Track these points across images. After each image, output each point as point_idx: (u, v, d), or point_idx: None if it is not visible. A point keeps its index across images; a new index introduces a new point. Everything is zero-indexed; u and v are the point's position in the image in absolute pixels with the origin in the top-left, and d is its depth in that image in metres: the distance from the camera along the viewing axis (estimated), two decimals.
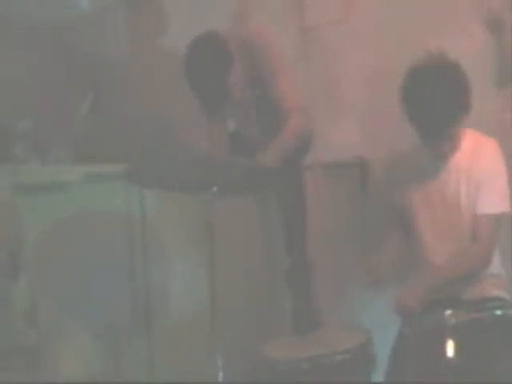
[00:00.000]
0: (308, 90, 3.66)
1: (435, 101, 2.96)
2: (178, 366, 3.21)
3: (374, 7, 3.79)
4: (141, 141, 3.51)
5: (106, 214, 3.27)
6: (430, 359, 2.74)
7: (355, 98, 3.80)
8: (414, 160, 3.16)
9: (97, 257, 3.19)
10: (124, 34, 3.83)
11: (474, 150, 3.06)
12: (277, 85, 3.36)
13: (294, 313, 3.32)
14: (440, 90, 2.98)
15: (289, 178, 3.31)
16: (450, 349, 2.69)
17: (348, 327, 3.07)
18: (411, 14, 3.73)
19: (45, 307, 3.07)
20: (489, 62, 3.65)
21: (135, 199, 3.28)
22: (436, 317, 2.76)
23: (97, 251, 3.20)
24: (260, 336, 3.17)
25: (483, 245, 3.02)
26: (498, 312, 2.74)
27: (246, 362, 3.07)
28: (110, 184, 3.26)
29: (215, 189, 2.90)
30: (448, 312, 2.74)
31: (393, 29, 3.75)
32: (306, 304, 3.30)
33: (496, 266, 3.07)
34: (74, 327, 3.10)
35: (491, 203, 3.01)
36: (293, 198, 3.39)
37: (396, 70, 3.72)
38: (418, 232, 3.11)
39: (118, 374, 3.14)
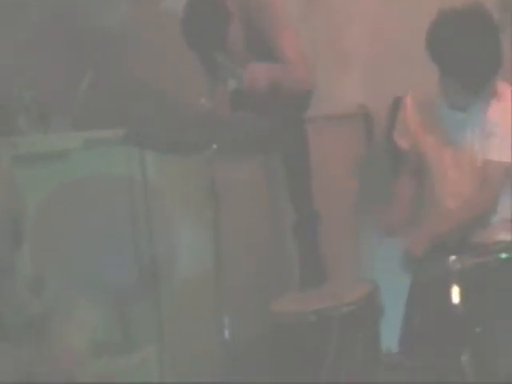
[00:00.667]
0: (311, 43, 3.62)
1: (478, 52, 2.89)
2: (186, 328, 3.21)
3: None
4: (140, 104, 3.49)
5: (108, 179, 3.26)
6: (436, 306, 2.72)
7: (358, 51, 3.77)
8: (427, 105, 3.09)
9: (100, 223, 3.18)
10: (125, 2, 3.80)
11: (491, 97, 3.00)
12: (278, 40, 3.33)
13: (300, 267, 3.32)
14: (482, 40, 2.90)
15: (291, 131, 3.27)
16: (456, 295, 2.67)
17: (355, 278, 3.05)
18: None
19: (49, 276, 3.08)
20: None
21: (136, 163, 3.27)
22: (441, 263, 2.73)
23: (100, 217, 3.19)
24: (267, 293, 3.16)
25: (489, 190, 2.99)
26: (503, 255, 2.70)
27: (253, 320, 3.07)
28: (110, 149, 3.24)
29: (215, 146, 2.87)
30: (453, 257, 2.71)
31: None
32: (312, 258, 3.30)
33: (504, 209, 3.03)
34: (80, 294, 3.11)
35: (502, 151, 2.97)
36: (296, 152, 3.37)
37: (398, 22, 3.68)
38: (430, 176, 3.07)
39: (126, 339, 3.15)
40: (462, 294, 2.67)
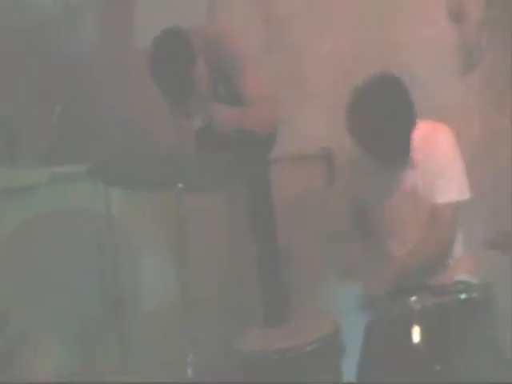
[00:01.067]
0: (274, 82, 3.69)
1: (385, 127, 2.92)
2: (150, 360, 3.22)
3: None
4: (107, 140, 3.52)
5: (73, 214, 3.28)
6: (397, 346, 2.77)
7: (321, 90, 3.82)
8: (368, 163, 3.10)
9: (65, 257, 3.19)
10: (94, 36, 3.84)
11: (427, 141, 3.03)
12: (241, 80, 3.40)
13: (264, 304, 3.34)
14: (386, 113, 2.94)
15: (255, 173, 3.33)
16: (417, 334, 2.72)
17: (318, 317, 3.09)
18: (376, 3, 3.76)
19: (14, 310, 3.07)
20: (452, 49, 3.68)
21: (101, 198, 3.28)
22: (402, 303, 2.79)
23: (65, 251, 3.20)
24: (231, 330, 3.18)
25: (444, 231, 3.02)
26: (462, 296, 2.76)
27: (216, 356, 3.09)
28: (76, 184, 3.26)
29: (180, 185, 2.90)
30: (413, 298, 2.77)
31: (357, 19, 3.78)
32: (275, 295, 3.33)
33: (458, 249, 3.09)
34: (45, 328, 3.10)
35: (449, 191, 3.00)
36: (260, 190, 3.42)
37: (361, 61, 3.77)
38: (379, 230, 3.12)
39: (90, 371, 3.14)
40: (423, 333, 2.72)
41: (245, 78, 3.40)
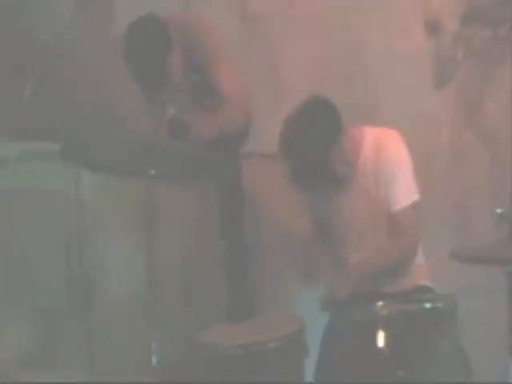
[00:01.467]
0: (248, 79, 3.67)
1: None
2: (114, 350, 3.18)
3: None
4: (78, 121, 3.46)
5: (42, 193, 3.22)
6: (360, 349, 2.79)
7: (295, 88, 3.82)
8: None
9: (32, 236, 3.13)
10: (68, 19, 3.78)
11: (376, 148, 3.03)
12: (216, 72, 3.38)
13: (228, 299, 3.34)
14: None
15: (226, 165, 3.32)
16: (381, 339, 2.75)
17: (282, 315, 3.10)
18: (353, 10, 3.79)
19: None
20: (427, 62, 3.73)
21: (71, 179, 3.24)
22: (367, 308, 2.81)
23: (32, 230, 3.14)
24: (196, 321, 3.17)
25: (406, 236, 3.03)
26: (428, 305, 2.81)
27: (180, 347, 3.08)
28: (47, 163, 3.20)
29: (153, 172, 2.88)
30: (380, 303, 2.80)
31: (334, 22, 3.80)
32: (240, 291, 3.33)
33: (419, 255, 3.11)
34: (9, 312, 3.04)
35: (403, 195, 3.00)
36: (230, 184, 3.41)
37: (336, 65, 3.79)
38: (338, 244, 3.12)
39: (54, 359, 3.09)
40: (387, 339, 2.75)
41: (219, 72, 3.38)
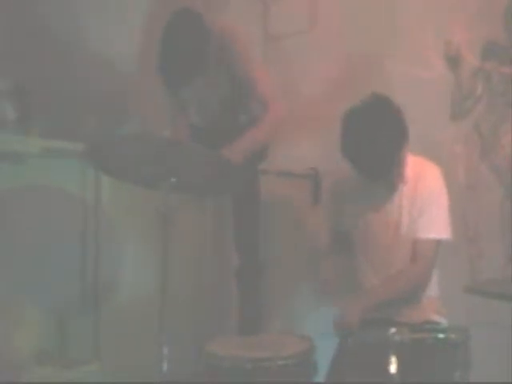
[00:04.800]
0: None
1: (371, 144, 2.97)
2: (123, 350, 3.16)
3: (337, 21, 3.84)
4: (102, 124, 3.45)
5: (61, 191, 3.20)
6: (371, 373, 2.79)
7: (314, 111, 3.84)
8: (356, 185, 3.16)
9: (48, 234, 3.11)
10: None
11: (417, 177, 3.10)
12: (253, 76, 3.30)
13: (239, 312, 3.32)
14: (374, 131, 2.99)
15: (247, 177, 3.29)
16: (393, 365, 2.75)
17: (292, 333, 3.09)
18: (373, 33, 3.81)
19: None
20: (446, 94, 3.76)
21: (90, 180, 3.22)
22: (380, 332, 2.82)
23: (48, 228, 3.12)
24: (205, 332, 3.16)
25: (421, 266, 3.07)
26: (441, 335, 2.81)
27: (191, 354, 3.06)
28: (67, 161, 3.19)
29: (173, 179, 2.84)
30: (393, 329, 2.80)
31: (355, 44, 3.82)
32: (251, 305, 3.31)
33: (433, 289, 3.14)
34: (23, 303, 3.01)
35: (432, 228, 3.06)
36: (247, 198, 3.40)
37: (355, 89, 3.81)
38: (357, 257, 3.15)
39: (63, 351, 3.07)
40: (399, 365, 2.75)
41: (256, 74, 3.30)
